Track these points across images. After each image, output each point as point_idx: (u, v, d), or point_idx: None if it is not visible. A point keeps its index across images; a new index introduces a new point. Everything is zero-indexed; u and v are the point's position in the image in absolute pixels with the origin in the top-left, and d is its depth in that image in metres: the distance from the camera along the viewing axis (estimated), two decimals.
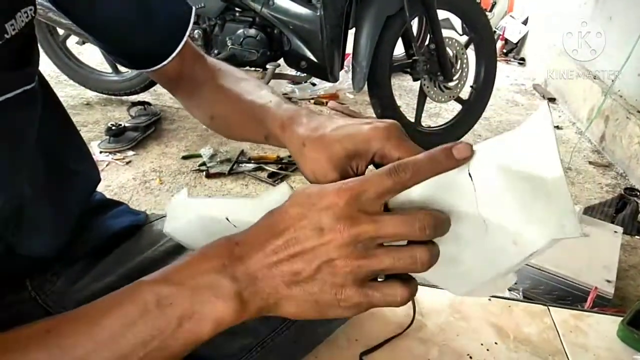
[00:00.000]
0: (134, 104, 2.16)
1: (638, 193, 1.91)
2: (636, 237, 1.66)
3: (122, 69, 2.34)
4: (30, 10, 0.45)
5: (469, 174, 0.37)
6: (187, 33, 0.63)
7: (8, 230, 0.49)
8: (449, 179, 0.38)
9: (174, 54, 0.61)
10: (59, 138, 0.60)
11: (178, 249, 0.70)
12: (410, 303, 0.93)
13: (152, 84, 2.27)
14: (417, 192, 0.39)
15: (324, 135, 0.46)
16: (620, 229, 1.47)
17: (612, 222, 1.60)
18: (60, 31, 2.27)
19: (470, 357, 0.85)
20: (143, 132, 1.99)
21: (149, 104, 2.19)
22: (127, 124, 1.98)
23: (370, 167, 0.46)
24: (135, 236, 0.71)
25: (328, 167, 0.45)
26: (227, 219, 0.48)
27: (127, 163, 1.84)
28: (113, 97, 2.35)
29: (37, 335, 0.36)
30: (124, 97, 2.32)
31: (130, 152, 1.91)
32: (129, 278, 0.68)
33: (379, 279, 0.37)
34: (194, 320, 0.36)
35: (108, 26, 0.58)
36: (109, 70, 2.31)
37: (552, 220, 0.36)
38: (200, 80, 0.65)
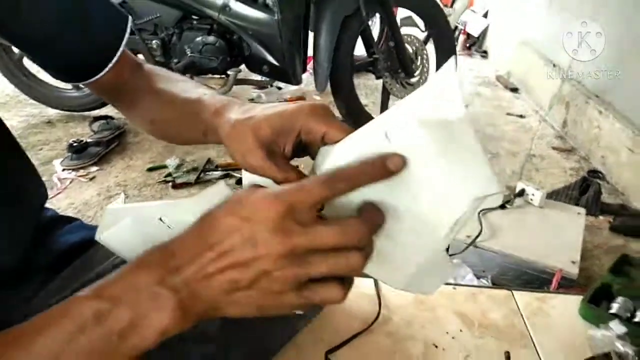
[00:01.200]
0: (96, 118, 2.13)
1: (600, 175, 1.96)
2: (600, 217, 1.70)
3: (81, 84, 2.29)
4: None
5: (386, 134, 0.38)
6: (124, 42, 0.62)
7: None
8: (370, 150, 0.39)
9: (110, 65, 0.60)
10: (2, 158, 0.59)
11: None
12: (376, 298, 0.93)
13: None
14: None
15: (252, 116, 0.46)
16: (583, 210, 1.50)
17: (577, 205, 1.64)
18: (16, 50, 2.22)
19: (436, 346, 0.85)
20: (106, 147, 1.95)
21: (111, 117, 2.16)
22: (89, 140, 1.94)
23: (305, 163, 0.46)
24: (90, 250, 0.70)
25: (254, 146, 0.45)
26: (161, 219, 0.48)
27: (91, 179, 1.81)
28: (75, 113, 2.30)
29: None
30: (86, 113, 2.27)
31: (94, 168, 1.87)
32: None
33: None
34: (136, 333, 0.36)
35: (41, 39, 0.57)
36: (69, 86, 2.26)
37: (470, 178, 0.37)
38: (138, 88, 0.64)
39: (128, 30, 0.63)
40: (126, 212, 0.52)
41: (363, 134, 0.42)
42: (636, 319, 0.85)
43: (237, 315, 0.38)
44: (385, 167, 0.36)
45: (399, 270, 0.43)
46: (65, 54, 0.59)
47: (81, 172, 1.82)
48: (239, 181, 1.83)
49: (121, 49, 0.61)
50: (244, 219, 0.35)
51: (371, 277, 0.44)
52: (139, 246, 0.50)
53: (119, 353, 0.36)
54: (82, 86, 2.25)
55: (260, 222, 0.34)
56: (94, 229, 0.74)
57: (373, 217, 0.38)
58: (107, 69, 0.60)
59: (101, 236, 0.51)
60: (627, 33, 1.93)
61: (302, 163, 0.52)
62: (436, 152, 0.37)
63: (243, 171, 0.50)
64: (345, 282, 0.37)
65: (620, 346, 0.64)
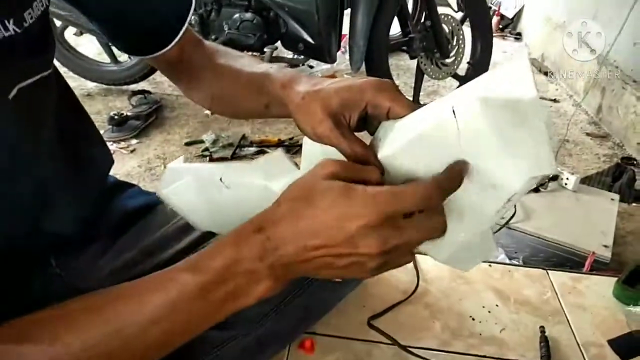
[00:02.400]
0: (135, 92, 2.18)
1: (635, 162, 1.94)
2: (633, 204, 1.69)
3: (120, 58, 2.35)
4: None
5: (453, 110, 0.40)
6: (188, 19, 0.65)
7: (34, 210, 0.52)
8: (434, 124, 0.41)
9: (175, 40, 0.62)
10: (73, 123, 0.62)
11: (189, 227, 0.73)
12: (414, 271, 0.97)
13: (150, 72, 2.28)
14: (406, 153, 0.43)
15: (321, 89, 0.49)
16: (616, 196, 1.50)
17: (610, 191, 1.63)
18: (58, 23, 2.28)
19: (473, 319, 0.89)
20: (145, 121, 2.01)
21: (149, 92, 2.21)
22: (129, 113, 2.00)
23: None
24: (150, 215, 0.74)
25: (324, 116, 0.47)
26: (221, 180, 0.51)
27: (132, 151, 1.87)
28: (113, 87, 2.36)
29: (88, 314, 0.40)
30: (124, 87, 2.34)
31: (134, 141, 1.93)
32: (146, 254, 0.72)
33: None
34: (235, 302, 0.41)
35: (113, 12, 0.60)
36: (108, 60, 2.33)
37: (528, 157, 0.39)
38: (200, 64, 0.67)
39: (193, 5, 0.66)
40: (187, 171, 0.54)
41: (428, 110, 0.45)
42: None
43: (324, 278, 0.43)
44: (461, 176, 0.41)
45: (445, 243, 0.44)
46: (135, 28, 0.62)
47: (122, 144, 1.89)
48: None
49: (186, 24, 0.64)
50: (345, 219, 0.37)
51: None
52: (198, 204, 0.53)
53: (220, 315, 0.41)
54: (121, 60, 2.32)
55: (361, 227, 0.37)
56: (152, 194, 0.79)
57: (455, 179, 0.41)
58: (172, 44, 0.63)
59: (163, 192, 0.54)
60: None
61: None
62: (496, 131, 0.39)
63: (305, 139, 0.52)
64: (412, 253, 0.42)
65: None
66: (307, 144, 0.51)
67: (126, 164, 1.78)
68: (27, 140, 0.48)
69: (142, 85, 2.34)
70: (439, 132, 0.41)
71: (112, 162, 0.71)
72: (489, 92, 0.40)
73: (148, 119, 2.03)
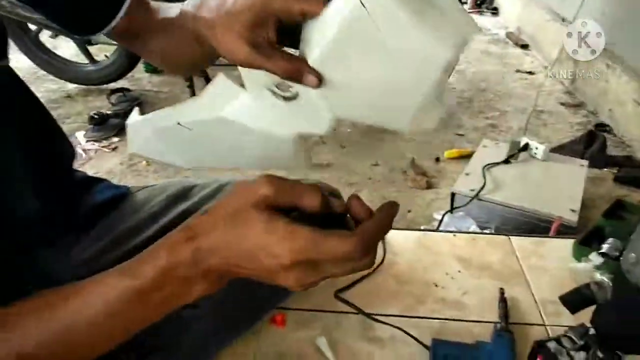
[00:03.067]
0: (113, 91, 2.20)
1: (607, 128, 1.99)
2: (605, 169, 1.74)
3: (97, 58, 2.36)
4: None
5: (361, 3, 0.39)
6: None
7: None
8: (347, 15, 0.40)
9: (122, 11, 0.60)
10: (33, 115, 0.65)
11: (159, 214, 0.77)
12: (381, 244, 1.01)
13: (128, 70, 2.30)
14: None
15: (229, 12, 0.46)
16: (585, 162, 1.55)
17: (582, 158, 1.68)
18: (32, 27, 2.29)
19: (436, 285, 0.94)
20: (125, 118, 2.03)
21: (128, 90, 2.24)
22: (108, 112, 2.03)
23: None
24: (119, 207, 0.78)
25: (241, 44, 0.45)
26: (179, 124, 0.50)
27: (113, 149, 1.90)
28: (92, 86, 2.38)
29: (36, 313, 0.42)
30: (103, 86, 2.35)
31: (115, 139, 1.96)
32: (116, 243, 0.75)
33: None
34: (174, 302, 0.43)
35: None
36: (85, 60, 2.34)
37: (446, 24, 0.40)
38: (144, 26, 0.64)
39: None
40: (145, 123, 0.53)
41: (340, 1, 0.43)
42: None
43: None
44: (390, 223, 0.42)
45: (400, 112, 0.45)
46: (80, 5, 0.60)
47: (104, 142, 1.92)
48: None
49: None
50: (264, 254, 0.39)
51: (378, 126, 0.47)
52: (170, 148, 0.54)
53: (161, 313, 0.44)
54: (98, 60, 2.33)
55: (276, 264, 0.39)
56: (121, 187, 0.82)
57: (388, 216, 0.42)
58: (119, 15, 0.60)
59: (133, 150, 0.54)
60: None
61: None
62: (403, 6, 0.39)
63: (239, 68, 0.49)
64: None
65: (598, 275, 0.71)
66: (243, 71, 0.49)
67: (108, 162, 1.81)
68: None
69: (121, 84, 2.35)
70: (355, 24, 0.40)
71: (74, 154, 0.72)
72: None
73: (128, 116, 2.06)
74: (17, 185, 0.57)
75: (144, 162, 1.83)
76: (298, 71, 0.43)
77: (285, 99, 0.47)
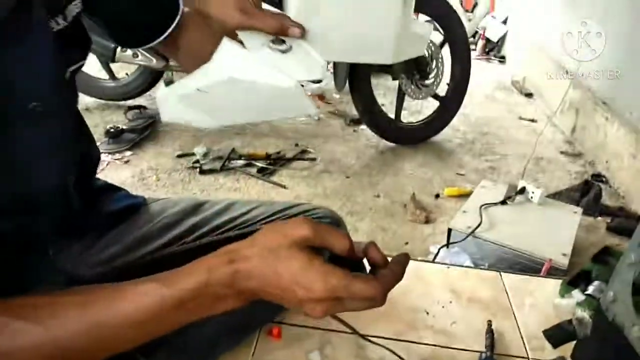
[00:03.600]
0: (131, 107, 2.29)
1: (603, 179, 2.05)
2: (599, 218, 1.79)
3: (118, 75, 2.46)
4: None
5: None
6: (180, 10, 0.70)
7: (41, 195, 0.58)
8: None
9: (176, 21, 0.68)
10: (75, 122, 0.71)
11: (172, 225, 0.82)
12: None
13: (147, 89, 2.40)
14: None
15: None
16: (579, 209, 1.60)
17: (578, 206, 1.73)
18: None
19: (427, 313, 0.98)
20: (140, 134, 2.12)
21: (144, 107, 2.32)
22: (124, 127, 2.11)
23: None
24: (134, 215, 0.83)
25: (233, 10, 0.52)
26: (198, 89, 0.56)
27: (126, 162, 1.97)
28: (110, 102, 2.47)
29: (71, 306, 0.46)
30: (121, 102, 2.45)
31: (128, 153, 2.04)
32: (129, 249, 0.80)
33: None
34: (208, 311, 0.48)
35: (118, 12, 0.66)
36: (106, 77, 2.44)
37: None
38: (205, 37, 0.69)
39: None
40: (171, 92, 0.58)
41: None
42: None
43: None
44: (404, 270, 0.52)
45: (381, 46, 0.53)
46: (134, 21, 0.68)
47: (117, 155, 1.99)
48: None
49: (178, 17, 0.69)
50: (299, 287, 0.45)
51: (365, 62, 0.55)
52: (197, 112, 0.59)
53: (184, 324, 0.48)
54: (119, 77, 2.43)
55: (308, 297, 0.45)
56: (138, 197, 0.88)
57: (397, 274, 0.51)
58: (167, 32, 0.68)
59: (165, 119, 0.59)
60: (636, 39, 2.01)
61: None
62: None
63: (238, 32, 0.55)
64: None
65: (579, 312, 0.76)
66: (243, 34, 0.55)
67: (120, 174, 1.88)
68: (65, 119, 0.58)
69: (138, 101, 2.45)
70: None
71: (99, 159, 0.78)
72: None
73: (143, 133, 2.14)
74: (48, 181, 0.59)
75: (154, 177, 1.89)
76: (282, 26, 0.50)
77: (282, 52, 0.53)
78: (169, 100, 0.59)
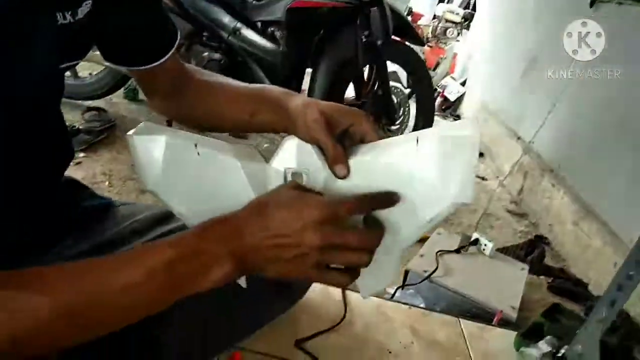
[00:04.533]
0: (90, 108, 2.19)
1: (546, 240, 2.17)
2: (541, 277, 1.88)
3: (80, 74, 2.36)
4: None
5: (417, 140, 0.52)
6: (177, 42, 0.73)
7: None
8: (397, 145, 0.54)
9: (168, 55, 0.69)
10: (46, 115, 0.67)
11: (141, 231, 0.78)
12: (342, 303, 1.05)
13: (108, 92, 2.31)
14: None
15: (319, 102, 0.60)
16: (526, 267, 1.67)
17: (523, 262, 1.81)
18: None
19: (390, 352, 0.97)
20: (96, 136, 2.02)
21: (104, 110, 2.22)
22: (80, 127, 2.00)
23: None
24: (103, 216, 0.78)
25: (319, 117, 0.57)
26: (195, 146, 0.55)
27: (78, 164, 1.86)
28: (69, 100, 2.35)
29: (69, 275, 0.45)
30: (79, 102, 2.33)
31: (82, 154, 1.93)
32: (97, 249, 0.75)
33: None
34: (198, 278, 0.47)
35: (116, 32, 0.66)
36: (68, 73, 2.33)
37: (457, 186, 0.50)
38: (182, 78, 0.73)
39: (179, 35, 0.74)
40: (163, 131, 0.56)
41: (393, 140, 0.57)
42: (559, 355, 1.00)
43: (269, 276, 0.51)
44: (392, 201, 0.52)
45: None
46: (132, 44, 0.68)
47: None
48: None
49: (176, 45, 0.71)
50: (298, 216, 0.48)
51: None
52: (159, 164, 0.56)
53: (181, 292, 0.47)
54: (81, 76, 2.33)
55: (310, 221, 0.47)
56: (105, 199, 0.83)
57: (380, 230, 0.52)
58: (163, 59, 0.69)
59: (133, 137, 0.55)
60: (588, 118, 2.19)
61: None
62: (441, 159, 0.51)
63: (286, 139, 0.60)
64: (352, 273, 0.52)
65: None
66: (288, 141, 0.59)
67: (71, 175, 1.76)
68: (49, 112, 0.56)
69: (97, 103, 2.34)
70: (400, 153, 0.53)
71: (73, 156, 0.74)
72: (445, 131, 0.52)
73: (99, 136, 2.04)
74: (19, 175, 0.57)
75: (107, 183, 1.79)
76: (340, 159, 0.55)
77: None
78: (154, 132, 0.56)
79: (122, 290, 0.45)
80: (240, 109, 0.68)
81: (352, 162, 0.55)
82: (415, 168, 0.51)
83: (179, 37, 0.73)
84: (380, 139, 0.58)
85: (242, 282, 0.61)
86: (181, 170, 0.56)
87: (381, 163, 0.53)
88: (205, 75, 0.75)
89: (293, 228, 0.47)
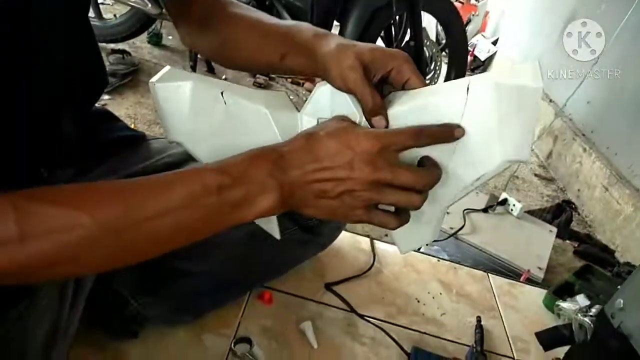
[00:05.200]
0: (114, 51, 2.15)
1: (573, 206, 2.12)
2: (567, 241, 1.84)
3: (105, 16, 2.31)
4: None
5: (467, 87, 0.46)
6: None
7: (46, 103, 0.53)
8: (445, 94, 0.47)
9: None
10: (81, 40, 0.64)
11: (174, 165, 0.76)
12: (370, 252, 1.03)
13: (133, 35, 2.26)
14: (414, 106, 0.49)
15: (355, 44, 0.53)
16: (554, 229, 1.64)
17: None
18: None
19: (418, 301, 0.96)
20: (121, 79, 1.99)
21: (128, 53, 2.18)
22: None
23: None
24: (136, 147, 0.77)
25: (356, 65, 0.51)
26: (222, 94, 0.51)
27: (103, 106, 1.84)
28: None
29: (114, 192, 0.42)
30: (103, 44, 2.29)
31: (106, 96, 1.91)
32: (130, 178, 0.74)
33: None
34: (244, 208, 0.45)
35: None
36: (92, 15, 2.28)
37: (513, 142, 0.45)
38: (213, 9, 0.68)
39: None
40: (189, 76, 0.52)
41: (441, 86, 0.51)
42: (590, 314, 0.98)
43: (312, 215, 0.47)
44: (453, 134, 0.46)
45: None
46: None
47: None
48: None
49: None
50: (348, 147, 0.44)
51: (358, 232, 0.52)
52: (184, 111, 0.51)
53: (225, 221, 0.45)
54: (106, 17, 2.28)
55: (361, 152, 0.44)
56: (137, 131, 0.81)
57: (436, 170, 0.47)
58: None
59: (155, 84, 0.50)
60: (623, 80, 2.09)
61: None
62: (498, 114, 0.44)
63: (319, 85, 0.54)
64: (401, 215, 0.48)
65: (581, 317, 0.76)
66: (321, 88, 0.54)
67: None
68: (68, 23, 0.52)
69: (122, 47, 2.30)
70: (447, 103, 0.47)
71: (107, 82, 0.71)
72: (502, 79, 0.45)
73: (124, 79, 2.01)
74: (56, 99, 0.56)
75: (132, 126, 1.78)
76: (379, 110, 0.50)
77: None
78: (179, 78, 0.51)
79: (164, 212, 0.42)
80: (271, 49, 0.62)
81: (392, 112, 0.50)
82: (466, 120, 0.46)
83: None
84: (424, 84, 0.52)
85: (276, 233, 0.57)
86: (207, 119, 0.52)
87: (425, 113, 0.47)
88: (237, 7, 0.70)
89: (342, 160, 0.44)
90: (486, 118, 0.45)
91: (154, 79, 0.51)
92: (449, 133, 0.47)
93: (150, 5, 2.00)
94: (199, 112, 0.52)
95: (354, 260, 1.01)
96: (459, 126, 0.46)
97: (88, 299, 0.62)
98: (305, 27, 0.60)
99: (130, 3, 1.99)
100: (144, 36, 2.43)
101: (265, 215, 0.46)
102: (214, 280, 0.74)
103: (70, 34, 0.57)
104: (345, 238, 1.00)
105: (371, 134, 0.45)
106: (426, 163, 0.48)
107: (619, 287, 0.78)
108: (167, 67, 0.54)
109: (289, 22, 0.64)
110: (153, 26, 2.34)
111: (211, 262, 0.73)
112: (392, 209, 0.48)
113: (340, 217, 0.47)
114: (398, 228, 0.48)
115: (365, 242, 1.07)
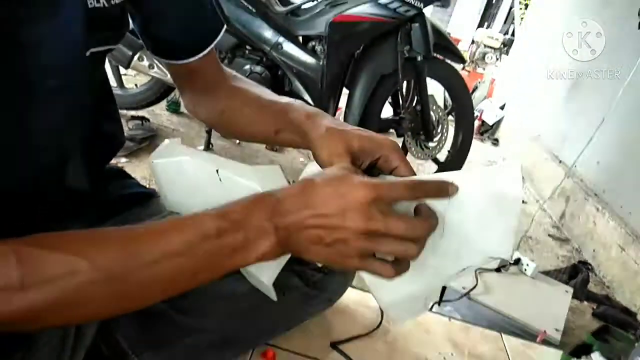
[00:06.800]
0: (134, 117, 2.26)
1: (589, 266, 2.07)
2: (585, 303, 1.78)
3: (127, 85, 2.45)
4: None
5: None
6: (217, 38, 0.72)
7: (55, 163, 0.55)
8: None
9: (204, 52, 0.69)
10: (104, 96, 0.69)
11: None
12: (378, 310, 1.01)
13: (152, 103, 2.38)
14: None
15: (345, 130, 0.57)
16: (570, 289, 1.60)
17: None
18: None
19: None
20: (139, 144, 2.07)
21: (147, 120, 2.29)
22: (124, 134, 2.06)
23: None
24: (145, 204, 0.79)
25: (344, 152, 0.54)
26: (217, 172, 0.54)
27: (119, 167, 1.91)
28: None
29: (114, 238, 0.44)
30: (124, 111, 2.41)
31: (124, 159, 1.98)
32: None
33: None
34: (243, 252, 0.46)
35: (158, 13, 0.65)
36: (114, 84, 2.42)
37: (495, 241, 0.48)
38: (216, 80, 0.73)
39: (222, 31, 0.73)
40: (187, 151, 0.56)
41: (432, 178, 0.53)
42: None
43: (310, 260, 0.49)
44: (447, 190, 0.48)
45: (395, 289, 0.51)
46: (172, 33, 0.68)
47: (112, 161, 1.93)
48: None
49: (215, 41, 0.71)
50: (341, 195, 0.45)
51: (366, 289, 0.52)
52: (181, 186, 0.55)
53: (226, 264, 0.46)
54: (127, 86, 2.42)
55: (354, 201, 0.45)
56: (148, 188, 0.84)
57: (431, 220, 0.48)
58: (201, 54, 0.69)
59: (154, 161, 0.55)
60: (631, 138, 2.11)
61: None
62: (481, 209, 0.48)
63: (310, 164, 0.58)
64: (401, 265, 0.48)
65: None
66: (312, 168, 0.57)
67: None
68: (82, 95, 0.55)
69: (141, 113, 2.42)
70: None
71: (123, 142, 0.75)
72: (485, 180, 0.49)
73: (141, 143, 2.09)
74: (72, 154, 0.58)
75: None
76: None
77: None
78: (176, 154, 0.55)
79: (163, 257, 0.43)
80: (266, 124, 0.66)
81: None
82: (452, 216, 0.48)
83: (222, 31, 0.72)
84: (412, 173, 0.54)
85: (272, 294, 0.57)
86: (202, 192, 0.55)
87: (411, 203, 0.49)
88: (239, 81, 0.74)
89: (335, 208, 0.45)
90: (467, 217, 0.48)
91: (153, 156, 0.55)
92: (443, 189, 0.48)
93: (169, 75, 2.12)
94: (195, 186, 0.55)
95: (361, 318, 0.99)
96: (451, 183, 0.48)
97: (88, 353, 0.62)
98: (298, 106, 0.64)
99: (151, 73, 2.11)
100: (163, 104, 2.55)
101: (267, 259, 0.47)
102: (216, 336, 0.74)
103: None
104: (352, 295, 0.99)
105: (367, 183, 0.46)
106: (422, 212, 0.49)
107: (636, 344, 0.76)
108: (167, 141, 0.58)
109: (284, 99, 0.67)
110: (172, 94, 2.47)
111: (213, 318, 0.73)
112: (391, 258, 0.49)
113: (336, 264, 0.48)
114: (396, 277, 0.48)
115: (373, 299, 1.05)
